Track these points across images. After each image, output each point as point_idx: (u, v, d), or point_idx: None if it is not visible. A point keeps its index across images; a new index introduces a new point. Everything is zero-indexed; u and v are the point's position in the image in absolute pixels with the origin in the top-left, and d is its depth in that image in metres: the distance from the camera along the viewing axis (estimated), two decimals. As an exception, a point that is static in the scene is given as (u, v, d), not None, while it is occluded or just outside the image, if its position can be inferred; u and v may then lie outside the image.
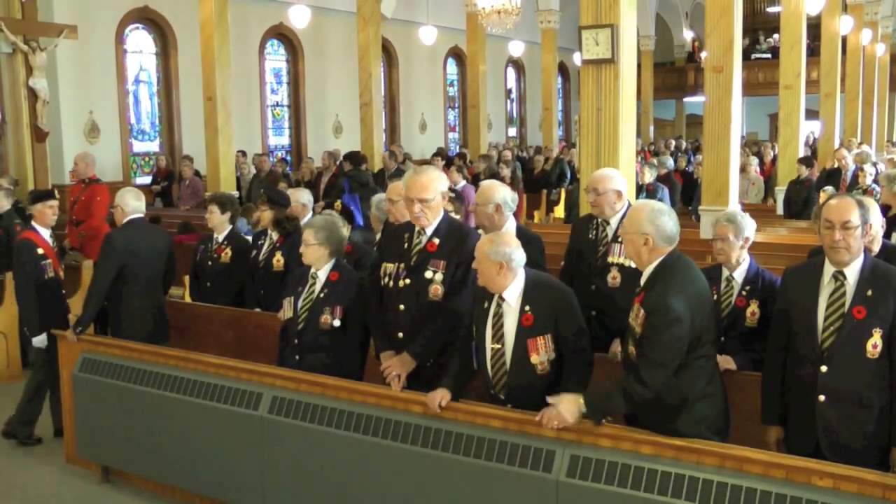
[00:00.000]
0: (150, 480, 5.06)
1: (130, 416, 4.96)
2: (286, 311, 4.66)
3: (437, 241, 4.14)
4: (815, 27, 16.38)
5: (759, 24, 27.90)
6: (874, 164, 10.20)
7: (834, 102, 15.52)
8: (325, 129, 18.36)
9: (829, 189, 9.07)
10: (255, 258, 5.99)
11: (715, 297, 4.19)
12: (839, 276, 3.47)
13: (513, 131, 25.45)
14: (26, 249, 5.84)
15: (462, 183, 10.38)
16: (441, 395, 3.85)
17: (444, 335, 4.09)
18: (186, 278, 6.90)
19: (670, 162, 12.34)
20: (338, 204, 9.00)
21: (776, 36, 20.89)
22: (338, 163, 12.14)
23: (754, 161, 13.13)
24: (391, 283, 4.22)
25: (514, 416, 3.72)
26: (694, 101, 27.16)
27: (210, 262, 6.20)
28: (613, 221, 4.57)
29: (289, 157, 17.48)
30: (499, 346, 3.78)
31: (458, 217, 4.90)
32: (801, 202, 10.26)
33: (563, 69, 26.29)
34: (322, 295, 4.51)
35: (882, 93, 23.02)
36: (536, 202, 14.23)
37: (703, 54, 13.84)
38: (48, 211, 6.03)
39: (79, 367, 5.22)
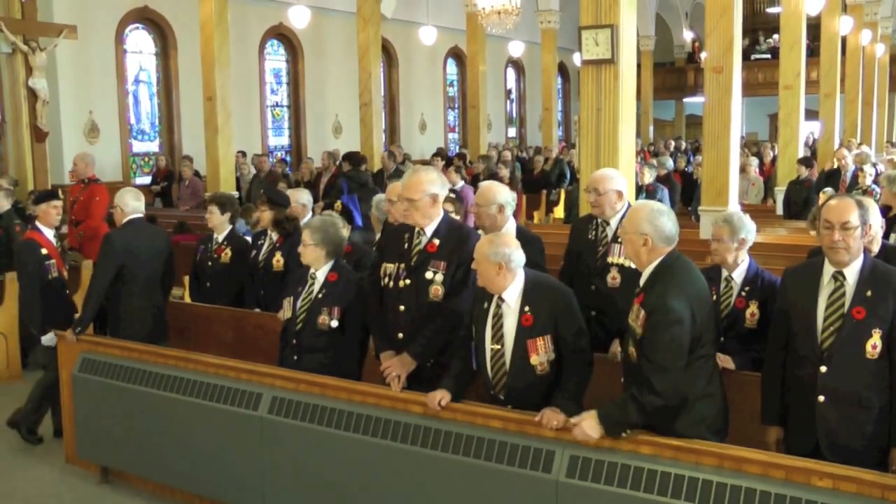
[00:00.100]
0: (149, 481, 5.06)
1: (130, 417, 4.96)
2: (286, 312, 4.66)
3: (437, 241, 4.14)
4: (814, 27, 16.39)
5: (759, 25, 27.91)
6: (874, 165, 10.19)
7: (833, 103, 15.52)
8: (325, 130, 18.37)
9: (829, 190, 9.08)
10: (255, 258, 6.00)
11: (714, 297, 4.19)
12: (839, 277, 3.47)
13: (512, 132, 25.46)
14: (30, 249, 5.84)
15: (460, 183, 10.39)
16: (441, 396, 3.85)
17: (444, 336, 4.10)
18: (186, 279, 6.90)
19: (670, 162, 12.34)
20: (338, 204, 9.00)
21: (776, 36, 20.90)
22: (337, 163, 12.14)
23: (754, 161, 13.13)
24: (391, 284, 4.22)
25: (513, 417, 3.72)
26: (694, 102, 27.17)
27: (210, 263, 6.20)
28: (613, 222, 4.57)
29: (288, 158, 17.48)
30: (498, 346, 3.78)
31: (457, 217, 4.90)
32: (801, 202, 10.26)
33: (563, 69, 26.30)
34: (320, 295, 4.51)
35: (882, 93, 23.03)
36: (536, 202, 14.23)
37: (703, 54, 13.84)
38: (52, 211, 6.03)
39: (78, 367, 5.22)
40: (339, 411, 4.17)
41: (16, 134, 11.62)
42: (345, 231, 4.86)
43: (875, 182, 8.94)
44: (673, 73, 28.66)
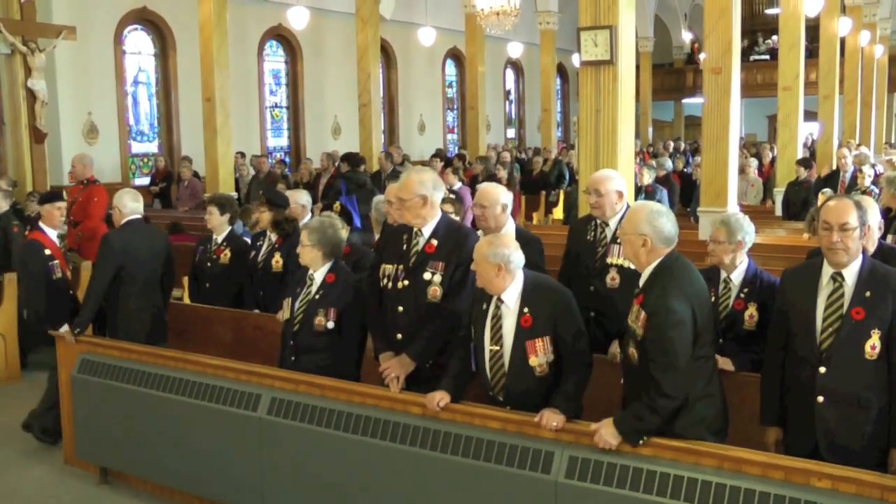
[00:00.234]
0: (148, 481, 5.05)
1: (129, 418, 4.96)
2: (285, 312, 4.66)
3: (435, 242, 4.14)
4: (813, 29, 16.38)
5: (758, 26, 27.91)
6: (873, 166, 10.20)
7: (832, 104, 15.52)
8: (324, 131, 18.36)
9: (828, 191, 9.08)
10: (254, 259, 6.00)
11: (713, 298, 4.19)
12: (837, 278, 3.47)
13: (511, 132, 25.46)
14: (34, 250, 5.84)
15: (458, 185, 10.39)
16: (440, 397, 3.85)
17: (442, 336, 4.10)
18: (185, 279, 6.90)
19: (669, 163, 12.36)
20: (336, 205, 8.99)
21: (775, 37, 20.89)
22: (336, 164, 12.14)
23: (753, 162, 13.14)
24: (389, 285, 4.22)
25: (512, 418, 3.72)
26: (692, 103, 27.18)
27: (209, 264, 6.20)
28: (612, 223, 4.57)
29: (287, 159, 17.47)
30: (497, 347, 3.78)
31: (456, 218, 4.90)
32: (800, 203, 10.26)
33: (562, 70, 26.30)
34: (317, 297, 4.51)
35: (880, 94, 23.05)
36: (535, 203, 14.23)
37: (702, 56, 13.84)
38: (56, 212, 6.04)
39: (77, 368, 5.22)
40: (339, 412, 4.17)
41: (15, 135, 11.61)
42: (343, 232, 4.86)
43: (874, 183, 8.95)
44: (672, 75, 28.67)
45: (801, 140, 13.63)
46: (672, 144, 19.89)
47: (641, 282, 3.56)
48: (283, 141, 18.15)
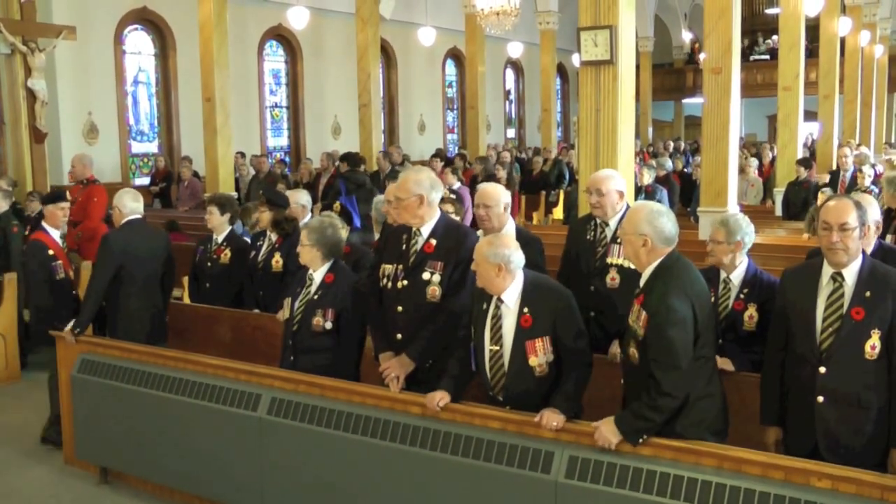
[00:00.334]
0: (148, 481, 5.05)
1: (129, 418, 4.96)
2: (285, 312, 4.66)
3: (433, 242, 4.14)
4: (813, 28, 16.38)
5: (758, 26, 27.91)
6: (872, 166, 10.20)
7: (832, 104, 15.52)
8: (324, 131, 18.36)
9: (828, 190, 9.09)
10: (254, 259, 6.00)
11: (712, 298, 4.18)
12: (837, 278, 3.47)
13: (511, 132, 25.45)
14: (37, 250, 5.84)
15: (457, 185, 10.39)
16: (440, 396, 3.85)
17: (442, 336, 4.09)
18: (185, 279, 6.90)
19: (669, 163, 12.35)
20: (336, 205, 8.98)
21: (775, 37, 20.89)
22: (336, 164, 12.13)
23: (753, 162, 13.13)
24: (389, 285, 4.22)
25: (512, 418, 3.72)
26: (692, 103, 27.17)
27: (209, 264, 6.20)
28: (612, 222, 4.57)
29: (287, 159, 17.47)
30: (497, 347, 3.78)
31: (457, 218, 4.90)
32: (800, 203, 10.26)
33: (562, 70, 26.30)
34: (316, 297, 4.51)
35: (880, 94, 23.04)
36: (535, 203, 14.23)
37: (702, 56, 13.84)
38: (59, 213, 6.04)
39: (77, 368, 5.22)
40: (338, 412, 4.17)
41: (15, 135, 11.60)
42: (343, 232, 4.86)
43: (874, 183, 8.95)
44: (672, 74, 28.66)
45: (801, 140, 13.63)
46: (672, 144, 19.89)
47: (642, 282, 3.56)
48: (283, 141, 18.15)
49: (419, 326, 4.12)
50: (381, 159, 12.82)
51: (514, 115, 25.81)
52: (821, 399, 3.45)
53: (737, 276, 4.33)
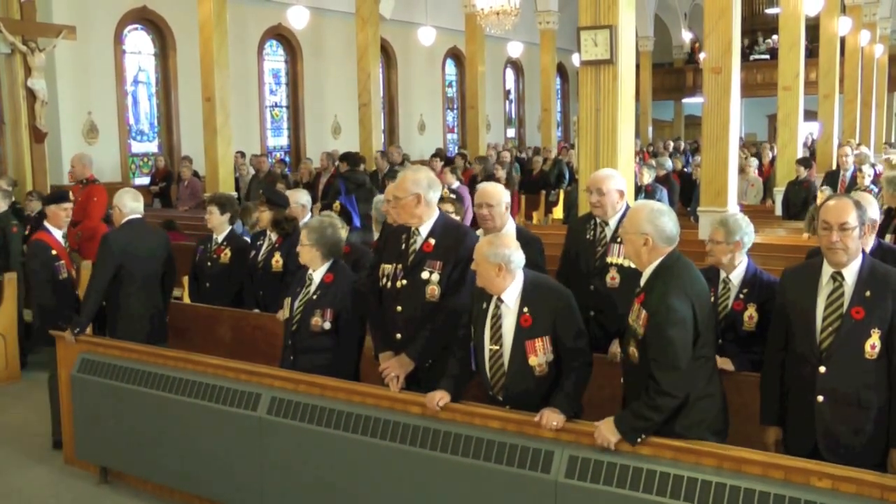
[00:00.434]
0: (148, 481, 5.05)
1: (129, 417, 4.96)
2: (285, 312, 4.66)
3: (432, 241, 4.15)
4: (813, 28, 16.38)
5: (758, 26, 27.91)
6: (872, 166, 10.20)
7: (832, 103, 15.51)
8: (324, 130, 18.36)
9: (827, 190, 9.09)
10: (254, 259, 6.00)
11: (712, 298, 4.18)
12: (837, 277, 3.47)
13: (511, 132, 25.45)
14: (40, 250, 5.83)
15: (456, 184, 10.39)
16: (440, 396, 3.85)
17: (442, 336, 4.09)
18: (185, 279, 6.90)
19: (669, 163, 12.34)
20: (336, 205, 8.98)
21: (775, 37, 20.89)
22: (335, 164, 12.13)
23: (753, 162, 13.13)
24: (389, 285, 4.23)
25: (512, 417, 3.72)
26: (692, 102, 27.17)
27: (209, 263, 6.20)
28: (612, 222, 4.57)
29: (287, 158, 17.47)
30: (497, 347, 3.78)
31: (457, 218, 4.90)
32: (800, 203, 10.26)
33: (562, 70, 26.29)
34: (315, 297, 4.51)
35: (880, 94, 23.03)
36: (535, 203, 14.23)
37: (702, 55, 13.84)
38: (62, 213, 6.03)
39: (77, 367, 5.22)
40: (338, 412, 4.17)
41: (14, 134, 11.59)
42: (343, 232, 4.86)
43: (874, 182, 8.96)
44: (672, 74, 28.66)
45: (801, 139, 13.63)
46: (672, 144, 19.90)
47: (643, 281, 3.56)
48: (283, 140, 18.15)
49: (419, 326, 4.12)
50: (378, 159, 12.82)
51: (514, 115, 25.81)
52: (821, 399, 3.45)
53: (736, 276, 4.33)
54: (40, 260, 5.82)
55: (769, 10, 26.75)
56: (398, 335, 4.20)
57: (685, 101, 28.48)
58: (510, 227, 4.60)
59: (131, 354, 5.07)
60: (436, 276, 4.11)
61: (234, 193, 11.71)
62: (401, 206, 4.13)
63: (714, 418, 3.52)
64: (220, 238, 6.21)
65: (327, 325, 4.44)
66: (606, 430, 3.45)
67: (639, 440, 3.41)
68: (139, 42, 14.99)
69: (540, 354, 3.70)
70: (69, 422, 5.35)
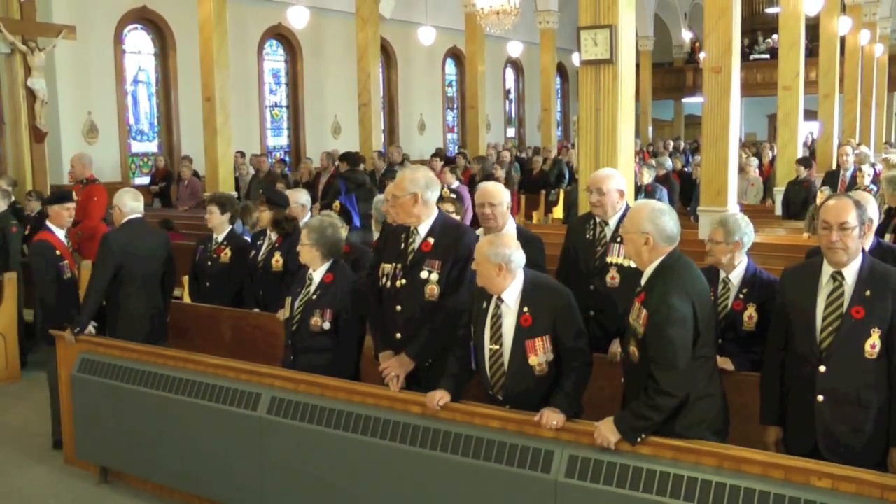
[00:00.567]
0: (148, 481, 5.05)
1: (129, 417, 4.96)
2: (286, 311, 4.66)
3: (431, 240, 4.15)
4: (813, 28, 16.38)
5: (758, 25, 27.91)
6: (872, 165, 10.20)
7: (832, 103, 15.51)
8: (324, 130, 18.36)
9: (827, 190, 9.08)
10: (254, 259, 6.00)
11: (712, 298, 4.18)
12: (837, 277, 3.47)
13: (511, 132, 25.45)
14: (45, 250, 5.83)
15: (455, 184, 10.39)
16: (440, 396, 3.85)
17: (441, 335, 4.09)
18: (185, 279, 6.90)
19: (669, 163, 12.34)
20: (336, 204, 8.98)
21: (775, 37, 20.88)
22: (335, 164, 12.13)
23: (753, 162, 13.13)
24: (388, 284, 4.23)
25: (512, 417, 3.72)
26: (692, 102, 27.17)
27: (209, 263, 6.20)
28: (612, 221, 4.56)
29: (287, 158, 17.47)
30: (497, 346, 3.78)
31: (457, 217, 4.90)
32: (800, 203, 10.26)
33: (562, 70, 26.29)
34: (315, 297, 4.51)
35: (880, 93, 23.03)
36: (535, 203, 14.23)
37: (702, 55, 13.84)
38: (65, 213, 6.03)
39: (77, 367, 5.22)
40: (338, 411, 4.17)
41: (14, 134, 11.59)
42: (343, 231, 4.86)
43: (873, 182, 8.96)
44: (672, 74, 28.66)
45: (801, 139, 13.63)
46: (672, 143, 19.89)
47: (643, 280, 3.55)
48: (283, 140, 18.15)
49: (418, 326, 4.12)
50: (375, 159, 12.83)
51: (513, 115, 25.81)
52: (821, 398, 3.45)
53: (736, 276, 4.32)
54: (45, 260, 5.81)
55: (769, 10, 26.75)
56: (398, 335, 4.20)
57: (685, 100, 28.48)
58: (510, 227, 4.60)
59: (131, 354, 5.07)
60: (435, 276, 4.11)
61: (234, 193, 11.72)
62: (399, 205, 4.14)
63: (714, 418, 3.52)
64: (221, 238, 6.21)
65: (327, 326, 4.44)
66: (606, 430, 3.45)
67: (639, 440, 3.41)
68: (139, 42, 15.00)
69: (540, 354, 3.70)
70: (69, 422, 5.35)
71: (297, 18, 15.25)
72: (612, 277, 4.53)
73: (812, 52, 17.51)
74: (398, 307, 4.18)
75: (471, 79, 18.03)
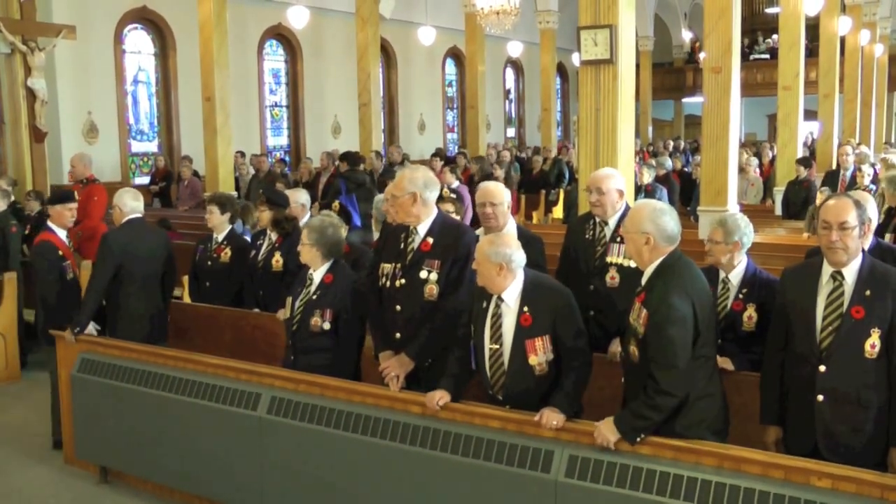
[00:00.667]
0: (148, 481, 5.05)
1: (129, 417, 4.96)
2: (286, 311, 4.66)
3: (430, 240, 4.15)
4: (813, 28, 16.38)
5: (758, 25, 27.91)
6: (872, 165, 10.20)
7: (832, 103, 15.52)
8: (324, 130, 18.36)
9: (827, 190, 9.08)
10: (254, 258, 6.00)
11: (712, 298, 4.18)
12: (837, 277, 3.47)
13: (511, 132, 25.45)
14: (47, 251, 5.82)
15: (455, 184, 10.39)
16: (440, 396, 3.85)
17: (441, 335, 4.09)
18: (185, 279, 6.90)
19: (669, 163, 12.35)
20: (336, 204, 8.98)
21: (775, 37, 20.88)
22: (335, 164, 12.13)
23: (753, 162, 13.13)
24: (388, 284, 4.23)
25: (512, 417, 3.72)
26: (692, 102, 27.17)
27: (209, 262, 6.19)
28: (612, 221, 4.56)
29: (287, 158, 17.47)
30: (497, 346, 3.78)
31: (457, 217, 4.90)
32: (800, 203, 10.26)
33: (562, 70, 26.29)
34: (315, 297, 4.51)
35: (880, 93, 23.03)
36: (535, 203, 14.23)
37: (702, 55, 13.84)
38: (67, 213, 6.02)
39: (77, 367, 5.22)
40: (338, 411, 4.17)
41: (14, 134, 11.59)
42: (343, 232, 4.86)
43: (873, 182, 8.96)
44: (672, 74, 28.66)
45: (801, 139, 13.63)
46: (672, 143, 19.89)
47: (644, 280, 3.56)
48: (283, 140, 18.15)
49: (418, 325, 4.12)
50: (373, 159, 12.83)
51: (513, 115, 25.81)
52: (821, 398, 3.45)
53: (736, 276, 4.32)
54: (48, 260, 5.81)
55: (769, 10, 26.74)
56: (398, 334, 4.20)
57: (685, 100, 28.48)
58: (511, 227, 4.60)
59: (131, 354, 5.07)
60: (434, 276, 4.12)
61: (234, 193, 11.71)
62: (398, 205, 4.14)
63: (714, 418, 3.52)
64: (221, 237, 6.21)
65: (326, 326, 4.44)
66: (606, 430, 3.45)
67: (638, 440, 3.41)
68: (139, 42, 15.00)
69: (540, 354, 3.70)
70: (69, 421, 5.35)
71: (297, 18, 15.26)
72: (612, 277, 4.53)
73: (812, 52, 17.51)
74: (398, 307, 4.18)
75: (471, 79, 18.03)
